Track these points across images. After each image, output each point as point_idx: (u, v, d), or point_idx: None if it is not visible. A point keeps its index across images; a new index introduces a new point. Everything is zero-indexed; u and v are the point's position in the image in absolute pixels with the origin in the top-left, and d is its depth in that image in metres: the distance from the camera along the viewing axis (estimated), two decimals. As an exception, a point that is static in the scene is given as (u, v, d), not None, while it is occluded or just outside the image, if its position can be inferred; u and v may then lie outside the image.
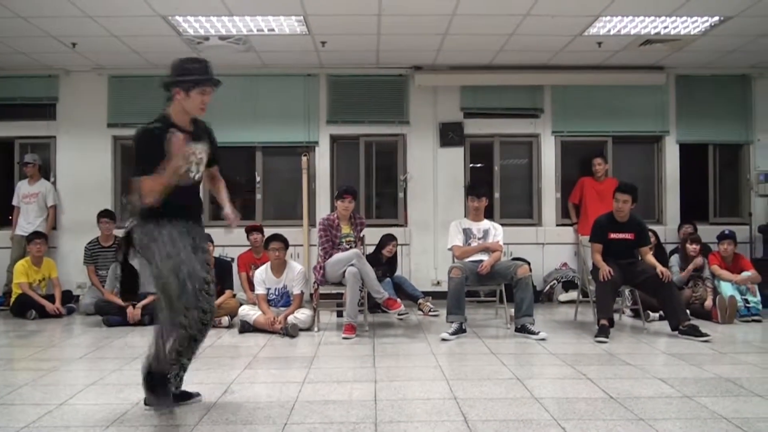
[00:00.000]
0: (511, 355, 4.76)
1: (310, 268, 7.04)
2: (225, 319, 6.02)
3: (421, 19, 6.25)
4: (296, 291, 5.89)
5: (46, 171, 7.90)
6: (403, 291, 6.76)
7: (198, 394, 3.48)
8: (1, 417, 3.23)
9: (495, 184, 8.17)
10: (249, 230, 6.94)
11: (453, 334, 5.36)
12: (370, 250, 6.77)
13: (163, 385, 3.15)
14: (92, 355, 4.86)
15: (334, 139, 8.15)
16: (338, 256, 5.72)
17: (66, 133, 7.96)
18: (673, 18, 6.27)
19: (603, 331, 5.25)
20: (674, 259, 6.75)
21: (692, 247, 6.60)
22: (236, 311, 5.99)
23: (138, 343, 5.10)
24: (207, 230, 7.27)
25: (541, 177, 8.15)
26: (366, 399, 3.50)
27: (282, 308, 5.86)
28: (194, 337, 3.20)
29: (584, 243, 6.38)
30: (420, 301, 6.69)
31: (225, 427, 3.05)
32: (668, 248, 7.31)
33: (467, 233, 5.99)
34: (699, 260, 6.55)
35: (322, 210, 7.78)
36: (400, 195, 8.14)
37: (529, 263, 6.31)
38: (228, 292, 6.22)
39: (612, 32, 6.66)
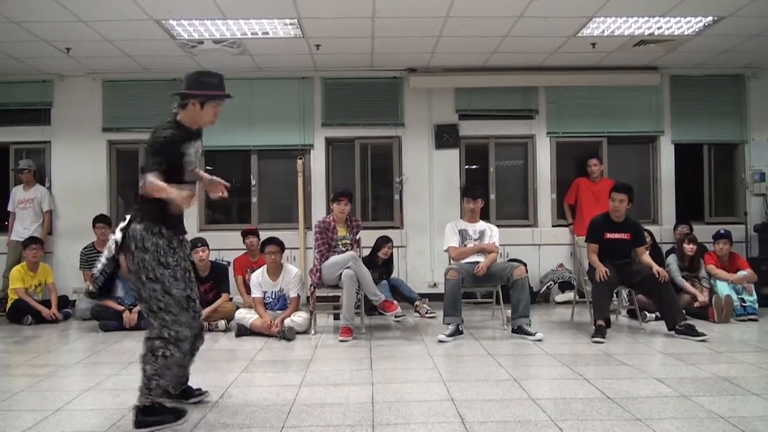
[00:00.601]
0: (508, 356, 4.76)
1: (306, 271, 7.04)
2: (222, 323, 6.01)
3: (415, 21, 6.26)
4: (293, 294, 5.89)
5: (41, 176, 7.88)
6: (400, 293, 6.75)
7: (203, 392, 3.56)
8: (-3, 423, 3.22)
9: (490, 186, 8.17)
10: (245, 233, 6.94)
11: (450, 335, 5.36)
12: (366, 252, 6.78)
13: (160, 413, 3.13)
14: (89, 360, 4.85)
15: (329, 142, 8.15)
16: (334, 258, 5.71)
17: (61, 138, 7.95)
18: (667, 18, 6.29)
19: (600, 332, 5.26)
20: (671, 259, 6.76)
21: (689, 247, 6.62)
22: (233, 315, 5.99)
23: (134, 348, 5.06)
24: (203, 234, 7.32)
25: (537, 178, 8.16)
26: (363, 401, 3.50)
27: (278, 311, 5.85)
28: (186, 353, 3.25)
29: (580, 243, 6.39)
30: (416, 303, 6.67)
31: (222, 431, 3.04)
32: (664, 248, 7.32)
33: (463, 234, 5.99)
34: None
35: (318, 213, 7.78)
36: (396, 197, 8.14)
37: (525, 264, 6.31)
38: (224, 296, 6.20)
39: (606, 33, 6.68)
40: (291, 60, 7.50)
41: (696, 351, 4.78)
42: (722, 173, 8.41)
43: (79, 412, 3.41)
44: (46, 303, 6.72)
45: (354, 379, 4.09)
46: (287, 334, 5.49)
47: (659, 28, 6.56)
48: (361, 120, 8.03)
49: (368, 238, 6.86)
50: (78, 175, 7.90)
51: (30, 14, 5.89)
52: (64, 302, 7.10)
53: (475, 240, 5.97)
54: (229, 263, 6.99)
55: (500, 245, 6.10)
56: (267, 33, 6.53)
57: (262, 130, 7.96)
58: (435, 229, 7.85)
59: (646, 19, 6.30)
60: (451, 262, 5.97)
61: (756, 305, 6.33)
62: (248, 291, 6.21)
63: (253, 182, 8.10)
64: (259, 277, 5.95)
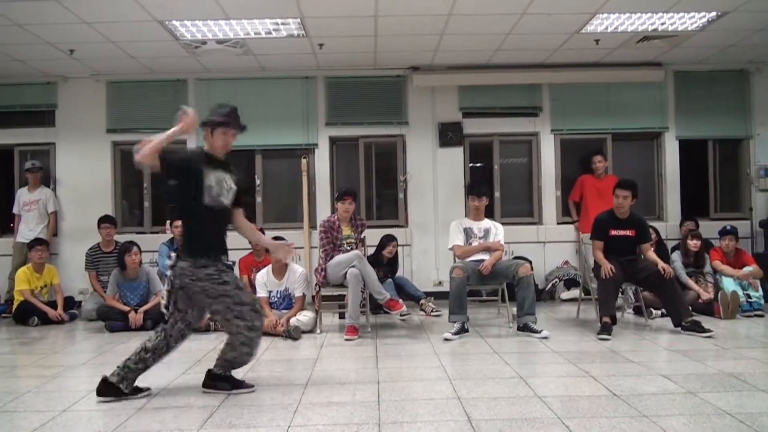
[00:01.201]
0: (513, 354, 4.76)
1: (311, 271, 7.04)
2: (227, 323, 6.02)
3: (418, 19, 6.25)
4: (298, 293, 5.90)
5: (46, 178, 7.90)
6: (405, 292, 6.76)
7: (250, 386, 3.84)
8: (5, 424, 3.23)
9: (495, 184, 8.16)
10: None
11: (455, 333, 5.36)
12: (371, 251, 6.77)
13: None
14: (95, 361, 4.86)
15: (334, 141, 8.16)
16: (339, 257, 5.72)
17: (65, 140, 7.97)
18: (670, 14, 6.27)
19: (605, 329, 5.25)
20: (676, 255, 6.74)
21: (693, 243, 6.60)
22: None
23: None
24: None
25: (541, 175, 8.15)
26: (369, 400, 3.50)
27: (284, 311, 5.86)
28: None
29: (585, 241, 6.37)
30: (422, 301, 6.69)
31: (228, 431, 3.05)
32: (669, 245, 7.30)
33: (468, 233, 5.99)
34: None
35: (323, 212, 7.78)
36: (400, 196, 8.14)
37: (530, 262, 6.31)
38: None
39: (609, 29, 6.66)
40: (294, 59, 7.51)
41: (702, 347, 4.77)
42: (727, 169, 8.37)
43: (85, 412, 3.42)
44: (52, 304, 6.74)
45: (360, 377, 4.09)
46: (293, 334, 5.50)
47: (663, 23, 6.53)
48: (365, 119, 8.03)
49: (373, 236, 6.85)
50: (83, 176, 7.92)
51: (34, 17, 5.90)
52: (70, 303, 7.11)
53: (480, 238, 5.96)
54: (234, 263, 6.99)
55: (505, 243, 6.08)
56: (270, 33, 6.54)
57: (266, 130, 7.95)
58: (440, 228, 7.84)
59: (649, 14, 6.28)
60: (456, 260, 5.97)
61: (762, 301, 6.32)
62: (254, 291, 6.21)
63: (258, 182, 8.11)
64: (264, 277, 5.96)
